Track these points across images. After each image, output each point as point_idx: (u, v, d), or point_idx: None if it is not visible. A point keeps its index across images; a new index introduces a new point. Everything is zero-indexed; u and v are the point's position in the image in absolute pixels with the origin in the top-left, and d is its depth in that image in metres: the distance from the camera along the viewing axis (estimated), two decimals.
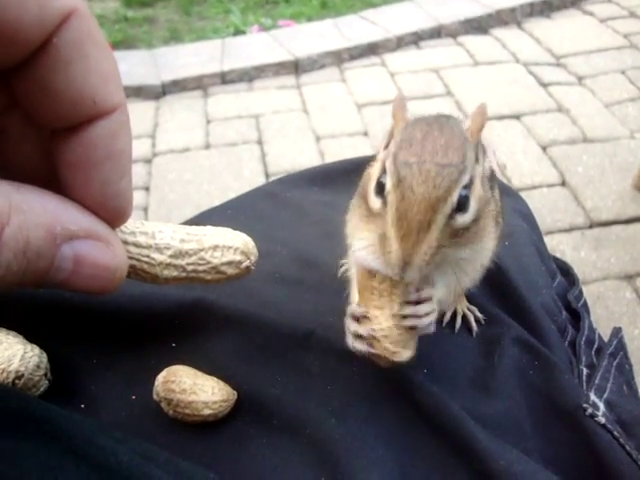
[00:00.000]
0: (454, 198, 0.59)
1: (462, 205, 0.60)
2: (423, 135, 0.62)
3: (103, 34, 0.40)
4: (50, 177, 0.43)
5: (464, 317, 0.88)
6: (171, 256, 0.50)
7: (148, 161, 3.97)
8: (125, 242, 0.48)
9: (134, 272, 0.50)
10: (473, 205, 0.62)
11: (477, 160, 0.66)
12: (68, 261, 0.40)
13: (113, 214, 0.44)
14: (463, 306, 0.89)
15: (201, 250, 0.51)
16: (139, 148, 4.05)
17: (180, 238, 0.51)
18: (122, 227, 0.48)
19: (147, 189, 3.72)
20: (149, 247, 0.50)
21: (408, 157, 0.60)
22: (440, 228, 0.59)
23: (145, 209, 3.57)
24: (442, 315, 0.88)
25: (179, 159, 3.98)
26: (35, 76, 0.37)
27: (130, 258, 0.48)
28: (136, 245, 0.49)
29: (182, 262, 0.51)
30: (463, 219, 0.61)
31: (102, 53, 0.39)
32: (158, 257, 0.50)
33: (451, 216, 0.60)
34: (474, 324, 0.87)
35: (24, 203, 0.37)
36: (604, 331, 1.01)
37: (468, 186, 0.61)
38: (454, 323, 0.87)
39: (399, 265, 0.59)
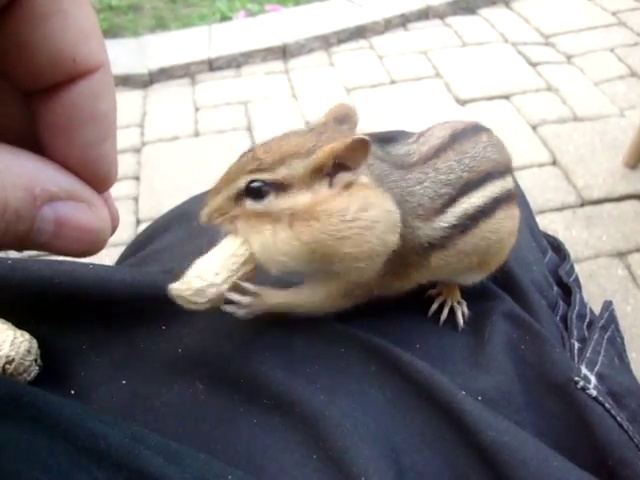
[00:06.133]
0: (239, 184, 0.71)
1: (252, 193, 0.71)
2: (282, 137, 0.74)
3: None
4: (32, 142, 0.41)
5: (452, 310, 0.87)
6: None
7: (137, 150, 3.95)
8: None
9: None
10: (273, 201, 0.71)
11: (326, 180, 0.71)
12: (49, 223, 0.39)
13: (96, 178, 0.42)
14: (454, 299, 0.88)
15: None
16: (128, 138, 4.03)
17: None
18: None
19: (137, 178, 3.71)
20: None
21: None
22: (225, 197, 0.73)
23: (136, 199, 3.55)
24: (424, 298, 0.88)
25: (168, 147, 3.96)
26: (10, 32, 0.36)
27: None
28: None
29: None
30: (253, 205, 0.71)
31: (81, 8, 0.37)
32: None
33: (240, 196, 0.72)
34: (460, 319, 0.86)
35: (0, 163, 0.36)
36: (597, 308, 1.01)
37: (270, 184, 0.70)
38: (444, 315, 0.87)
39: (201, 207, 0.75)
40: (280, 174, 0.70)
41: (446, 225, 0.76)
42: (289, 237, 0.70)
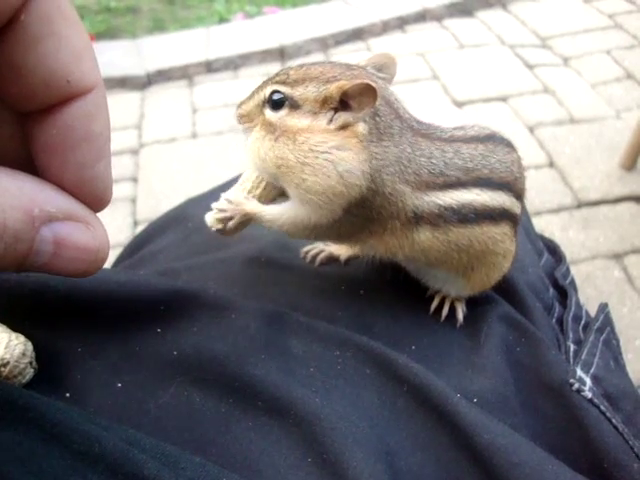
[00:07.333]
0: (266, 91, 0.78)
1: (271, 102, 0.77)
2: (318, 63, 0.78)
3: (74, 10, 0.38)
4: (27, 162, 0.41)
5: (452, 307, 0.88)
6: None
7: (135, 152, 3.94)
8: None
9: None
10: (284, 117, 0.76)
11: (330, 114, 0.74)
12: (48, 244, 0.39)
13: (91, 199, 0.42)
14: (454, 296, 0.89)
15: None
16: (125, 139, 4.02)
17: None
18: None
19: (135, 180, 3.70)
20: None
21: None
22: (255, 103, 0.80)
23: (133, 200, 3.55)
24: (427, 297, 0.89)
25: (166, 149, 3.96)
26: (3, 55, 0.36)
27: None
28: None
29: None
30: (270, 114, 0.77)
31: (74, 30, 0.38)
32: None
33: (263, 104, 0.78)
34: (461, 315, 0.87)
35: None
36: (593, 310, 1.01)
37: (286, 100, 0.76)
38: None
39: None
40: (297, 92, 0.75)
41: (442, 203, 0.76)
42: (269, 147, 0.77)
